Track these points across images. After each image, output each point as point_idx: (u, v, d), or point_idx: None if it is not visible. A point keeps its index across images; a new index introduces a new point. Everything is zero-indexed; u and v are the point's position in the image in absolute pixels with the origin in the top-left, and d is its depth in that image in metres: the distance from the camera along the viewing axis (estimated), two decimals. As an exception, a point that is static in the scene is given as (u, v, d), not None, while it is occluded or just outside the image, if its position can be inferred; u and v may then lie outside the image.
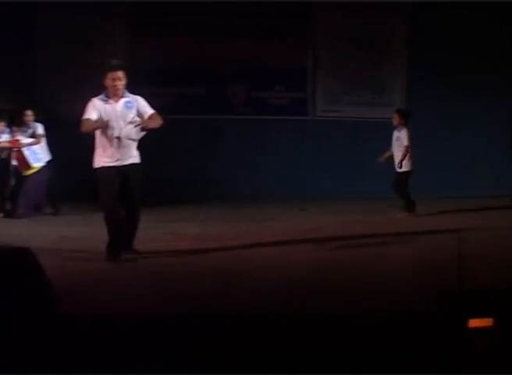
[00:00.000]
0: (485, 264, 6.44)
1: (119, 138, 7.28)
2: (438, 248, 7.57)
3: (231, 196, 13.29)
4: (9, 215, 11.07)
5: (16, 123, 11.37)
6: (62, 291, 4.53)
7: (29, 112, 11.26)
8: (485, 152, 13.82)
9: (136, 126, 7.28)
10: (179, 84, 14.54)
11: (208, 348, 4.08)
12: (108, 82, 7.34)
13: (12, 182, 11.50)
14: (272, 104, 14.77)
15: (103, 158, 7.35)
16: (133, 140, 7.36)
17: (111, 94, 7.37)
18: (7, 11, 13.21)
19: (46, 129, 11.29)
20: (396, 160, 10.77)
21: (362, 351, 4.00)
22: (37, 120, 11.33)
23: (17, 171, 11.32)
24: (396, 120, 10.93)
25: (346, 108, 14.40)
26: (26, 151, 11.01)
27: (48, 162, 11.20)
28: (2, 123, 11.22)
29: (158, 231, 9.09)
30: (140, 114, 7.40)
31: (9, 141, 11.16)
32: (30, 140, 11.10)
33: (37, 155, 11.09)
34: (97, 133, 7.34)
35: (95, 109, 7.30)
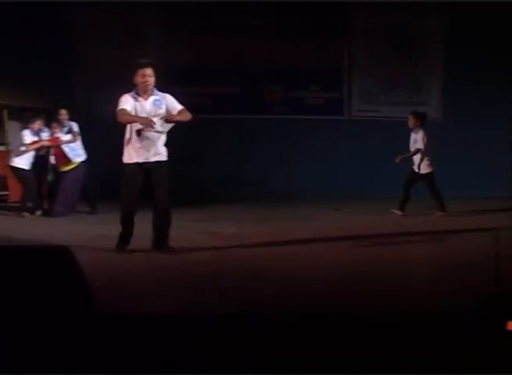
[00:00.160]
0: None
1: (146, 135, 7.33)
2: (473, 248, 7.50)
3: (266, 196, 13.28)
4: (47, 213, 11.17)
5: (52, 121, 11.48)
6: (97, 289, 4.55)
7: (63, 111, 11.38)
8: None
9: (162, 119, 7.34)
10: (215, 84, 14.56)
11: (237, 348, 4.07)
12: (138, 79, 7.41)
13: (50, 178, 11.60)
14: (308, 104, 14.75)
15: (129, 154, 7.44)
16: (160, 132, 7.39)
17: (140, 92, 7.44)
18: (44, 11, 13.36)
19: (81, 128, 11.40)
20: (416, 162, 10.72)
21: (398, 352, 3.95)
22: (71, 119, 11.45)
23: (55, 168, 11.43)
24: (411, 122, 10.83)
25: (383, 108, 14.33)
26: (65, 148, 11.13)
27: (84, 161, 11.30)
28: (39, 122, 11.32)
29: (192, 230, 9.11)
30: (169, 111, 7.45)
31: (49, 139, 11.28)
32: (69, 137, 11.21)
33: (76, 151, 11.21)
34: (127, 129, 7.42)
35: (128, 103, 7.38)
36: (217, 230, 9.35)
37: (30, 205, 11.33)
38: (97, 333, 4.08)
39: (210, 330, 4.34)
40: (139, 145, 7.38)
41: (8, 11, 12.85)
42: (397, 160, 10.74)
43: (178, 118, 7.40)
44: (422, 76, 14.57)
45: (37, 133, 11.26)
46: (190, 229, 9.16)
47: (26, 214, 11.02)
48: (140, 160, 7.40)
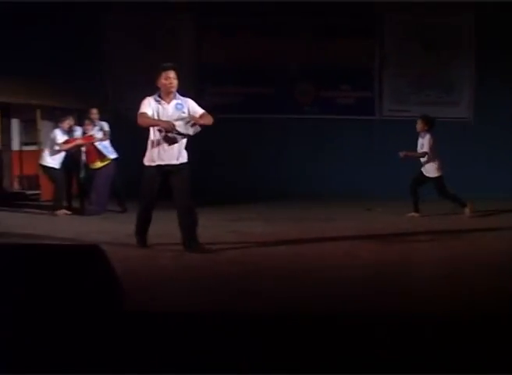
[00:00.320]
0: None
1: (168, 138, 7.40)
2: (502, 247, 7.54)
3: (296, 195, 13.29)
4: (79, 212, 11.25)
5: (84, 120, 11.58)
6: (128, 288, 4.58)
7: (94, 111, 11.49)
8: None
9: (186, 123, 7.39)
10: (247, 84, 14.61)
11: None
12: (161, 81, 7.52)
13: (82, 174, 11.67)
14: (339, 103, 14.73)
15: (151, 157, 7.55)
16: (182, 135, 7.44)
17: (163, 95, 7.54)
18: (77, 12, 13.48)
19: (112, 127, 11.49)
20: (423, 165, 10.70)
21: (434, 351, 3.94)
22: (103, 119, 11.54)
23: (87, 166, 11.50)
24: (419, 126, 10.80)
25: (414, 108, 14.24)
26: (99, 146, 11.23)
27: (115, 158, 11.38)
28: (68, 121, 11.40)
29: (222, 230, 9.15)
30: (191, 115, 7.51)
31: (83, 138, 11.37)
32: (101, 135, 11.30)
33: (109, 149, 11.30)
34: (150, 132, 7.52)
35: (150, 107, 7.49)
36: (247, 229, 9.37)
37: (65, 203, 11.45)
38: (128, 332, 4.12)
39: (242, 331, 4.36)
40: (161, 148, 7.48)
41: (39, 12, 13.03)
42: (401, 155, 10.71)
43: (202, 121, 7.47)
44: (453, 76, 14.49)
45: (67, 132, 11.35)
46: (220, 228, 9.23)
47: (59, 212, 11.12)
48: (162, 163, 7.51)
